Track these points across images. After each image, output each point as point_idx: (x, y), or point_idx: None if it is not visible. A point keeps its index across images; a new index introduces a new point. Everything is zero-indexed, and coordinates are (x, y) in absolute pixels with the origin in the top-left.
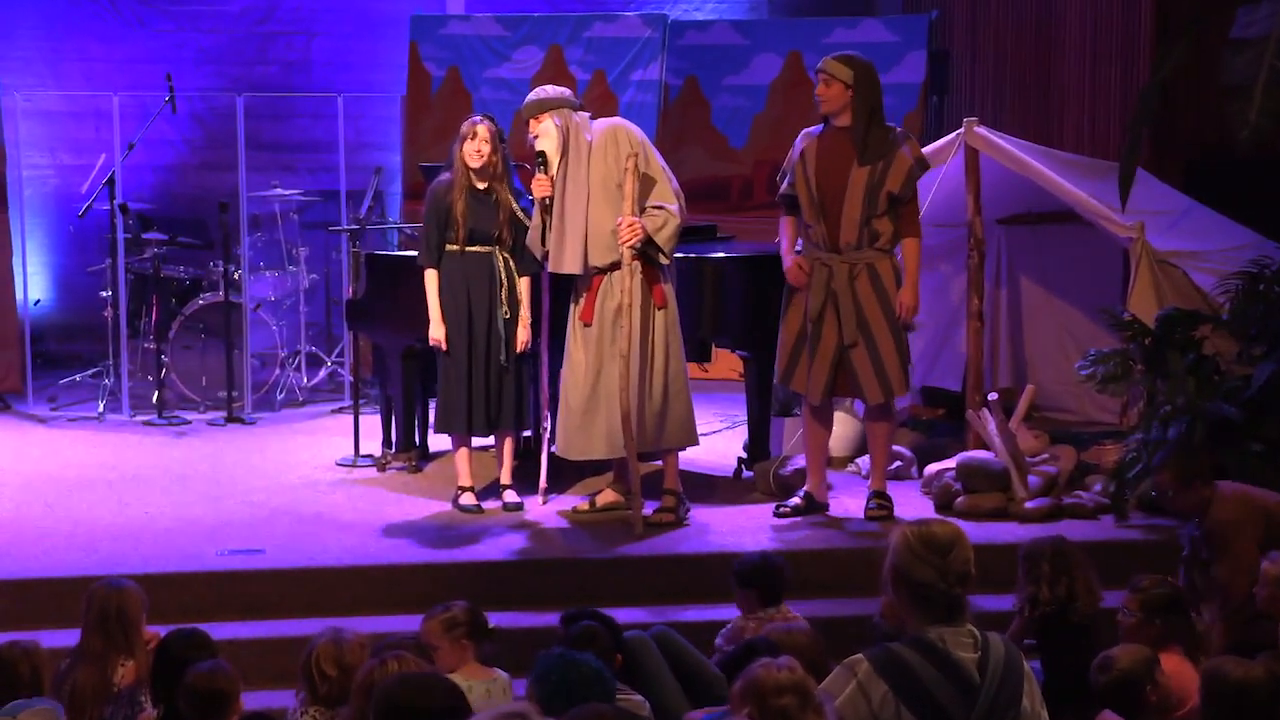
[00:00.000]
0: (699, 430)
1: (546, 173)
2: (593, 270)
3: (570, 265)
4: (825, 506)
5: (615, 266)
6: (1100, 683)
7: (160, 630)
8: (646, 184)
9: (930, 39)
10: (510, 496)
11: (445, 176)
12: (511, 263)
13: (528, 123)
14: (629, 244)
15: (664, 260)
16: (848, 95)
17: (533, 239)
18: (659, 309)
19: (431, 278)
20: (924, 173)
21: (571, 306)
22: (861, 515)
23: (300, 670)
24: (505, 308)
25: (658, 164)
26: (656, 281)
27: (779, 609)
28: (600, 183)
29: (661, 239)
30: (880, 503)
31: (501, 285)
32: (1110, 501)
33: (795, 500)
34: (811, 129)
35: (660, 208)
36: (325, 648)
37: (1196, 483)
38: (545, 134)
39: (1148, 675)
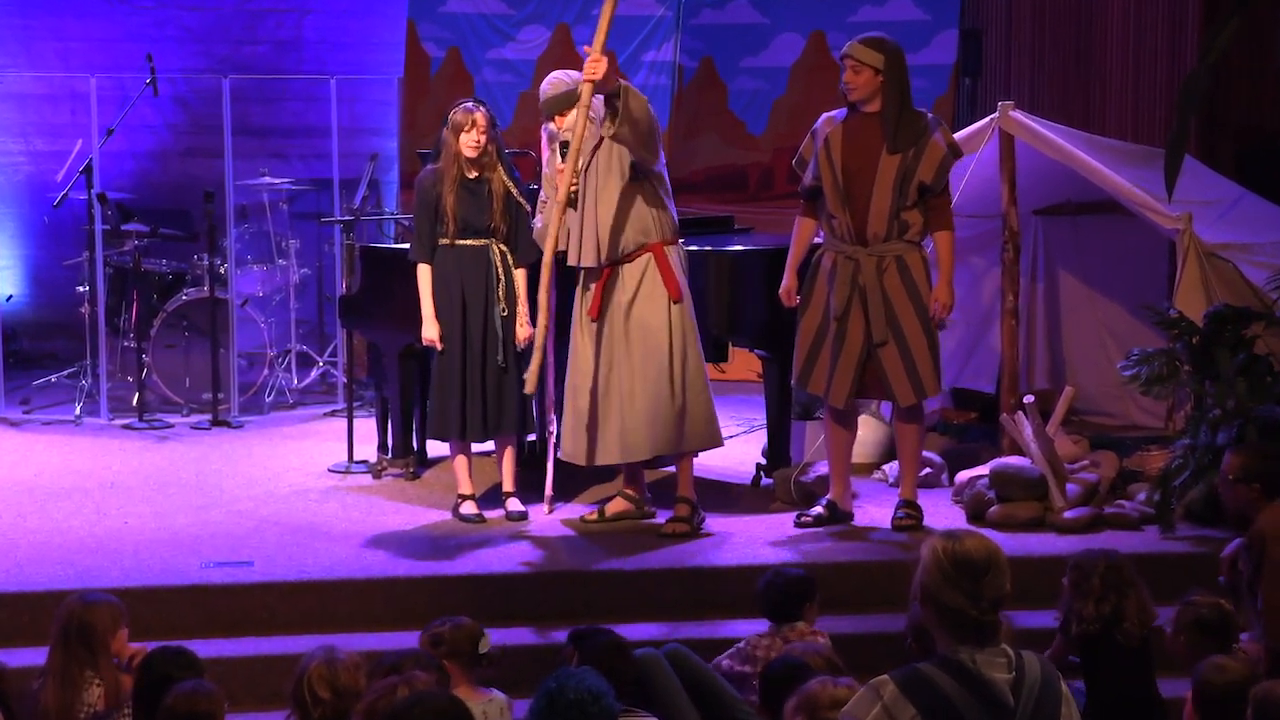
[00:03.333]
0: None
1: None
2: (605, 263)
3: (587, 258)
4: (850, 516)
5: (625, 260)
6: (1205, 685)
7: (146, 647)
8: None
9: (962, 16)
10: (514, 505)
11: (433, 166)
12: (508, 255)
13: (552, 118)
14: (585, 78)
15: (608, 127)
16: (878, 81)
17: (540, 232)
18: (674, 302)
19: (424, 273)
20: (957, 161)
21: (576, 302)
22: (888, 525)
23: (290, 693)
24: (503, 304)
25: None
26: (671, 273)
27: (794, 627)
28: (605, 168)
29: (628, 95)
30: (909, 512)
31: (498, 280)
32: (1155, 511)
33: (818, 509)
34: (834, 113)
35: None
36: (318, 669)
37: (1257, 485)
38: (575, 126)
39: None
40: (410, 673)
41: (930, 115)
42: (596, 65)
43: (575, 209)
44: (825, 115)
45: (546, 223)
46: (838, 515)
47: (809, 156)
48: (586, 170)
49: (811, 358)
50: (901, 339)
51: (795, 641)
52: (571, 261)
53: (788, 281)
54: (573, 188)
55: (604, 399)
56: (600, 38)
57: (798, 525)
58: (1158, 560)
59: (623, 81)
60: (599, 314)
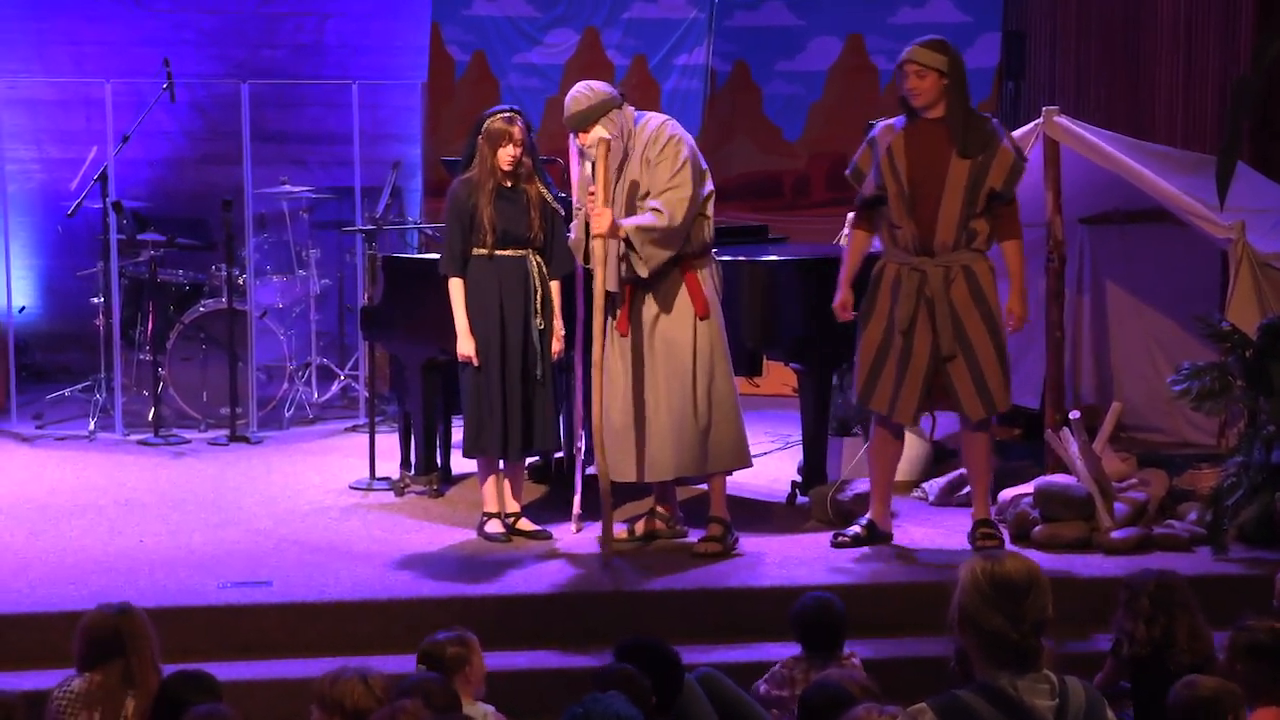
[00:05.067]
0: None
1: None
2: (627, 280)
3: (610, 282)
4: (889, 537)
5: (651, 274)
6: (1179, 700)
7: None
8: (657, 179)
9: (1005, 18)
10: (527, 524)
11: (466, 176)
12: (544, 266)
13: (575, 134)
14: (593, 234)
15: (641, 270)
16: (942, 85)
17: (576, 243)
18: (701, 319)
19: (456, 287)
20: (1025, 166)
21: (608, 317)
22: (928, 545)
23: (319, 701)
24: (539, 316)
25: (686, 172)
26: (698, 288)
27: (832, 655)
28: (624, 201)
29: (638, 240)
30: (987, 532)
31: (536, 291)
32: (1206, 532)
33: (855, 529)
34: (892, 121)
35: (658, 210)
36: (352, 684)
37: None
38: (596, 145)
39: (1233, 709)
40: (397, 703)
41: (994, 119)
42: (600, 220)
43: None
44: (883, 123)
45: (579, 236)
46: (876, 535)
47: (867, 166)
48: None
49: (874, 374)
50: (970, 352)
51: (831, 666)
52: (604, 285)
53: (842, 295)
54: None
55: (631, 415)
56: (600, 191)
57: (835, 545)
58: (1210, 583)
59: (625, 227)
60: (627, 329)
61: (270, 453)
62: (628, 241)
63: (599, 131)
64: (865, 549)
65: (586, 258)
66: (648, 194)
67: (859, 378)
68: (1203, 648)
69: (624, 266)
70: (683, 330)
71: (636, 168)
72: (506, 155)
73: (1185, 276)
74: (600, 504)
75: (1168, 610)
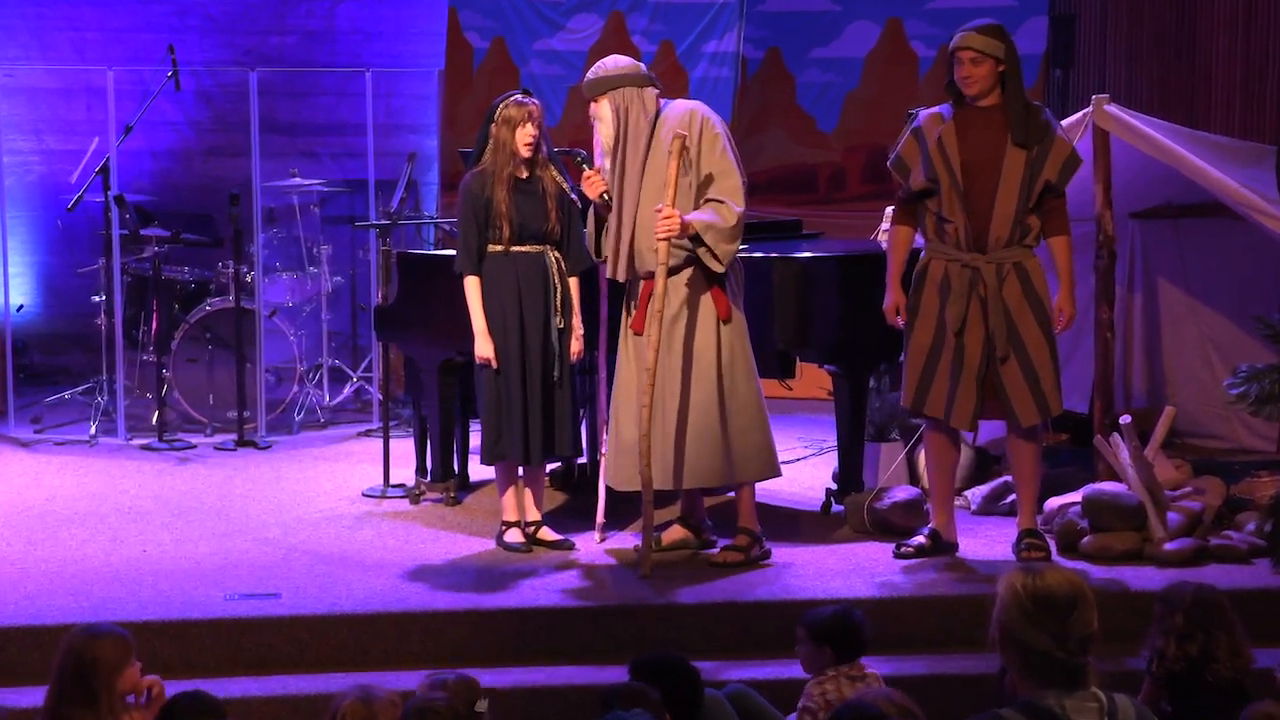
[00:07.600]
0: (780, 458)
1: (592, 167)
2: (644, 274)
3: (623, 271)
4: (954, 546)
5: (671, 271)
6: None
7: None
8: (702, 170)
9: (1053, 2)
10: (548, 533)
11: (478, 168)
12: (562, 262)
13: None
14: (659, 237)
15: (716, 266)
16: (999, 72)
17: (589, 241)
18: (724, 322)
19: (473, 286)
20: (1080, 159)
21: (624, 316)
22: (970, 556)
23: None
24: (559, 316)
25: (728, 156)
26: (720, 290)
27: (853, 666)
28: (657, 175)
29: (711, 237)
30: (1033, 542)
31: (555, 289)
32: (1265, 543)
33: (919, 539)
34: (938, 109)
35: (720, 202)
36: (352, 706)
37: None
38: (601, 119)
39: None
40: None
41: (1046, 110)
42: (670, 222)
43: (609, 213)
44: (927, 112)
45: (593, 230)
46: (941, 546)
47: (912, 158)
48: (625, 179)
49: (926, 378)
50: (1024, 353)
51: (857, 681)
52: (610, 274)
53: (893, 297)
54: (600, 191)
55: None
56: (670, 192)
57: (897, 556)
58: (1268, 597)
59: (696, 225)
60: (643, 329)
61: (279, 458)
62: (697, 239)
63: (605, 106)
64: (921, 561)
65: (598, 251)
66: (704, 181)
67: (909, 382)
68: (1242, 664)
69: (637, 257)
70: (705, 333)
71: (661, 153)
72: (526, 136)
73: (1243, 273)
74: (627, 512)
75: (1205, 628)
